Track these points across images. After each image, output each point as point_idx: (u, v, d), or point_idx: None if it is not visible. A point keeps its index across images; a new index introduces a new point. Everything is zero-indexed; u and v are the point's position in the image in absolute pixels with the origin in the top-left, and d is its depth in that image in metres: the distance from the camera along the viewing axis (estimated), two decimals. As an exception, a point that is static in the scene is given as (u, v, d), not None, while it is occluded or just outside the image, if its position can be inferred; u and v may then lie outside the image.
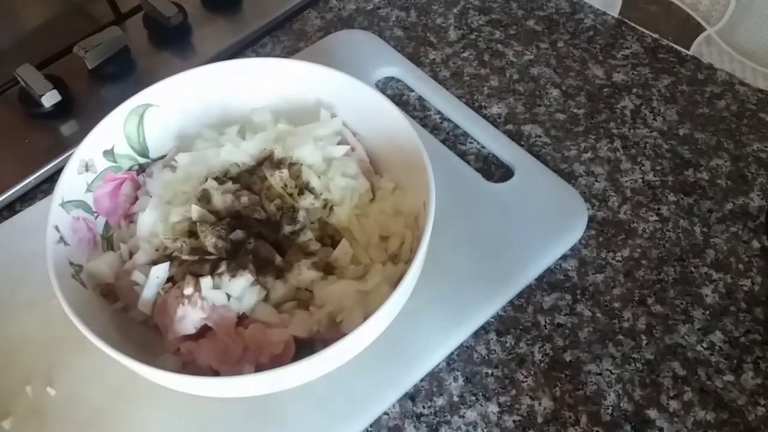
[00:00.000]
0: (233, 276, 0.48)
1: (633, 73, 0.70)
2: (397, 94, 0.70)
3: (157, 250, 0.51)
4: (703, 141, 0.64)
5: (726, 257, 0.57)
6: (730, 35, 0.66)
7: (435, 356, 0.52)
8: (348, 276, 0.50)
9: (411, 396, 0.52)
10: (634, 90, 0.68)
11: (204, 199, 0.52)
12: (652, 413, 0.50)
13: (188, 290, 0.47)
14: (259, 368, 0.46)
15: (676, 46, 0.71)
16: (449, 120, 0.67)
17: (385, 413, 0.51)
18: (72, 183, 0.51)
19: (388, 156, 0.55)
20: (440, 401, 0.51)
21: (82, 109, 0.69)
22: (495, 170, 0.63)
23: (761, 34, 0.64)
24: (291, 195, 0.52)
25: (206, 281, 0.48)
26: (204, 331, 0.48)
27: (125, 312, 0.50)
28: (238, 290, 0.48)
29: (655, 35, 0.72)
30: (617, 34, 0.73)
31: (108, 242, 0.54)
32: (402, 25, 0.76)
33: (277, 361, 0.46)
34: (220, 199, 0.52)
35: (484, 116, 0.67)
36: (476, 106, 0.68)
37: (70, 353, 0.52)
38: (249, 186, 0.54)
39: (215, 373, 0.47)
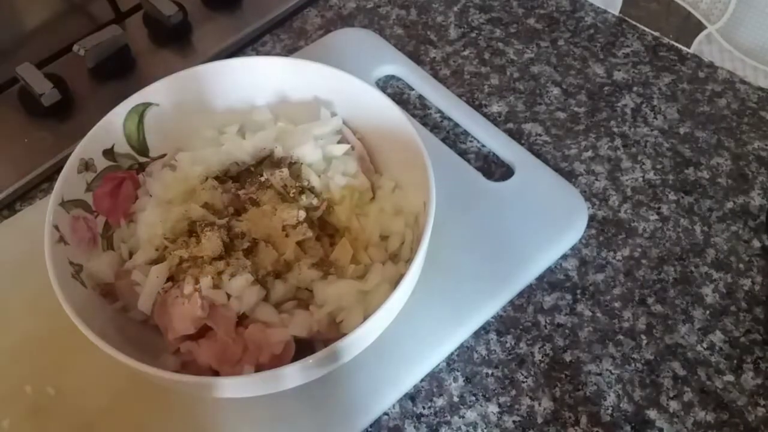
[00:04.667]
0: (233, 275, 0.48)
1: (633, 72, 0.69)
2: (397, 92, 0.70)
3: (157, 249, 0.51)
4: (703, 139, 0.64)
5: (726, 256, 0.57)
6: (731, 33, 0.66)
7: (435, 356, 0.52)
8: (348, 276, 0.50)
9: (411, 396, 0.52)
10: (635, 88, 0.68)
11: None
12: (652, 413, 0.50)
13: (188, 290, 0.47)
14: (259, 368, 0.46)
15: (676, 44, 0.71)
16: (449, 118, 0.67)
17: (385, 413, 0.51)
18: (72, 182, 0.51)
19: (388, 155, 0.55)
20: (440, 401, 0.51)
21: (82, 108, 0.69)
22: (495, 169, 0.63)
23: (762, 32, 0.63)
24: (291, 194, 0.52)
25: (206, 281, 0.48)
26: (204, 331, 0.48)
27: (125, 312, 0.50)
28: (238, 290, 0.48)
29: (656, 33, 0.72)
30: (618, 32, 0.73)
31: (108, 242, 0.54)
32: (402, 24, 0.76)
33: (277, 361, 0.46)
34: (220, 198, 0.52)
35: (485, 115, 0.67)
36: (476, 104, 0.68)
37: (70, 353, 0.51)
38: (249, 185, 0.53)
39: (215, 373, 0.47)
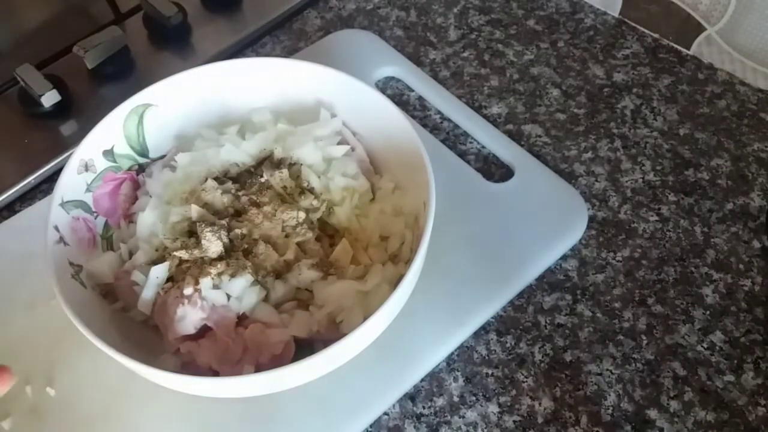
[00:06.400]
0: (233, 276, 0.48)
1: (633, 73, 0.70)
2: (397, 93, 0.70)
3: (156, 250, 0.51)
4: (703, 141, 0.64)
5: (726, 257, 0.57)
6: (731, 35, 0.66)
7: (435, 356, 0.52)
8: (348, 276, 0.50)
9: (411, 396, 0.51)
10: (635, 90, 0.68)
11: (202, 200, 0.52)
12: (653, 413, 0.50)
13: (188, 290, 0.47)
14: (259, 368, 0.46)
15: (676, 45, 0.71)
16: (449, 120, 0.67)
17: (385, 413, 0.51)
18: (72, 183, 0.51)
19: (388, 156, 0.55)
20: (440, 401, 0.51)
21: (81, 109, 0.69)
22: (495, 170, 0.63)
23: (761, 34, 0.63)
24: (291, 195, 0.52)
25: (206, 281, 0.48)
26: (204, 331, 0.48)
27: (125, 312, 0.50)
28: (238, 290, 0.48)
29: (656, 35, 0.72)
30: (617, 34, 0.73)
31: (108, 242, 0.54)
32: (402, 25, 0.76)
33: (277, 361, 0.46)
34: (220, 199, 0.52)
35: (485, 116, 0.67)
36: (476, 105, 0.68)
37: (70, 353, 0.52)
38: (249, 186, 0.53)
39: (215, 373, 0.47)
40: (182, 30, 0.75)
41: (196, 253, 0.49)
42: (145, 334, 0.50)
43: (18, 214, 0.61)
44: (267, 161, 0.55)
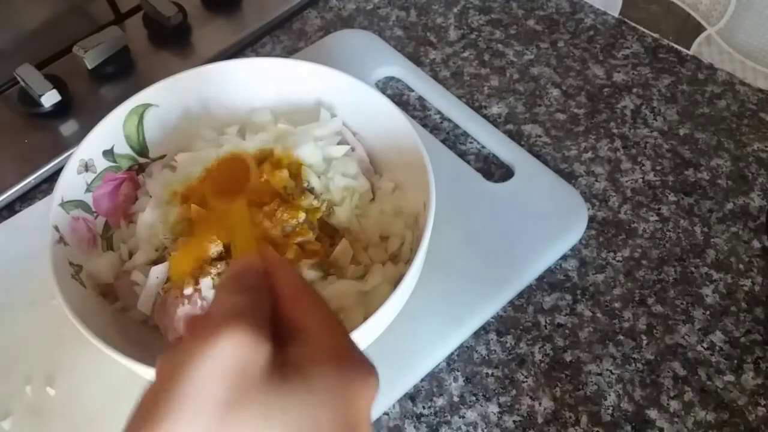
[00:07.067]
0: (233, 276, 0.48)
1: (633, 73, 0.70)
2: (397, 93, 0.70)
3: (156, 250, 0.51)
4: (703, 141, 0.64)
5: (726, 257, 0.57)
6: (731, 35, 0.66)
7: (435, 356, 0.52)
8: (348, 276, 0.50)
9: (411, 396, 0.51)
10: (635, 90, 0.68)
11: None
12: (653, 413, 0.50)
13: (188, 290, 0.47)
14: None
15: (676, 45, 0.71)
16: (449, 120, 0.67)
17: (385, 413, 0.51)
18: (72, 183, 0.51)
19: (388, 156, 0.55)
20: (440, 401, 0.51)
21: (81, 109, 0.69)
22: (495, 170, 0.63)
23: (761, 34, 0.63)
24: (291, 195, 0.52)
25: (206, 281, 0.47)
26: (204, 332, 0.48)
27: (125, 312, 0.50)
28: (238, 290, 0.48)
29: (656, 35, 0.72)
30: (617, 34, 0.73)
31: (108, 242, 0.54)
32: (402, 25, 0.76)
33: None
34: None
35: (485, 116, 0.67)
36: (476, 105, 0.68)
37: (70, 353, 0.52)
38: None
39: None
40: (182, 30, 0.75)
41: (196, 253, 0.49)
42: (145, 334, 0.50)
43: (18, 214, 0.61)
44: (267, 161, 0.55)
